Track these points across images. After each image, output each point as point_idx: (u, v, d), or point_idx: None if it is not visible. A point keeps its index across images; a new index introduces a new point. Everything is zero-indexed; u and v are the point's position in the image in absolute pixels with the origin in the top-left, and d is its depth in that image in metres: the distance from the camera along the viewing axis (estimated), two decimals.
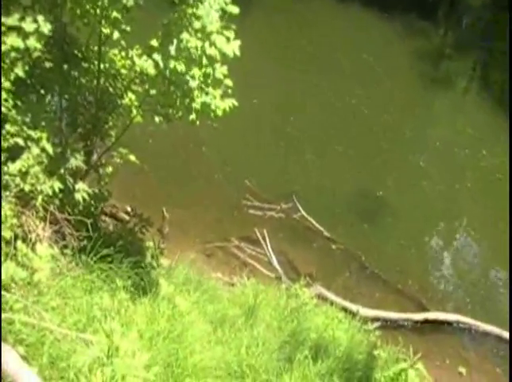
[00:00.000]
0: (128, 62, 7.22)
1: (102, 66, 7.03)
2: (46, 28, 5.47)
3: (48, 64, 6.52)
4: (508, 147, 13.14)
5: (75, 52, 6.97)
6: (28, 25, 5.40)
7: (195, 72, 6.38)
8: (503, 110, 15.26)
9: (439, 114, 15.96)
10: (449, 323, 9.99)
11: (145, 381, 5.04)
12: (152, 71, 6.48)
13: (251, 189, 11.03)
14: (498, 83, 17.35)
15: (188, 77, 6.39)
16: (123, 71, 7.28)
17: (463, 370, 9.37)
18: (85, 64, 7.01)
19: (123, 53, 7.26)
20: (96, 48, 6.96)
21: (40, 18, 5.47)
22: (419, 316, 9.86)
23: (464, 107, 16.42)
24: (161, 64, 6.29)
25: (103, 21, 6.62)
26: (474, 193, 12.86)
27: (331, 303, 9.06)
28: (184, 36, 6.23)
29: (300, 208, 10.89)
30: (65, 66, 6.77)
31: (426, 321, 9.86)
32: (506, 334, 9.89)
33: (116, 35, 6.82)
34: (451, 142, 14.18)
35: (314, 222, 10.79)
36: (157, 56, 6.34)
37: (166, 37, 6.36)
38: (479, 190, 12.92)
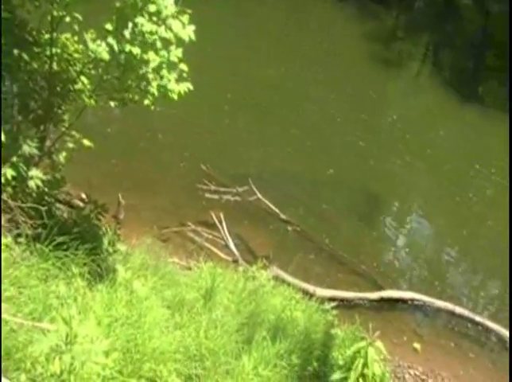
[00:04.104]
0: (81, 46, 7.13)
1: (54, 51, 6.92)
2: None
3: None
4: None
5: (26, 36, 6.85)
6: None
7: (151, 55, 6.36)
8: (454, 90, 15.60)
9: (392, 95, 16.19)
10: (404, 301, 10.17)
11: (104, 367, 5.03)
12: (106, 55, 6.44)
13: (207, 173, 11.03)
14: (449, 64, 17.70)
15: (143, 61, 6.36)
16: (76, 55, 7.18)
17: (417, 346, 9.57)
18: (37, 49, 6.89)
19: (76, 38, 7.16)
20: (48, 32, 6.85)
21: None
22: (374, 295, 10.00)
23: (417, 88, 16.69)
24: (116, 48, 6.24)
25: (55, 4, 6.51)
26: (426, 172, 13.10)
27: (289, 284, 9.10)
28: (139, 20, 6.20)
29: (256, 191, 10.91)
30: (16, 51, 6.66)
31: (381, 300, 9.99)
32: (459, 310, 10.15)
33: (68, 19, 6.73)
34: (403, 122, 14.40)
35: (270, 204, 10.83)
36: (111, 40, 6.29)
37: (121, 20, 6.31)
38: (430, 168, 13.18)
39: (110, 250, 7.28)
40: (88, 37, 6.88)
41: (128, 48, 6.22)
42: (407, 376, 9.03)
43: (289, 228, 10.79)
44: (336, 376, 6.95)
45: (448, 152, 13.81)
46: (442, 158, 13.45)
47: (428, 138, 14.02)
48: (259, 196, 10.89)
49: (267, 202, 10.86)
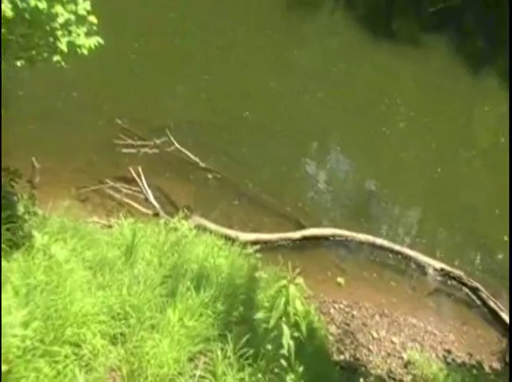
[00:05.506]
0: None
1: None
2: None
3: None
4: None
5: None
6: None
7: (58, 9, 6.20)
8: (367, 27, 15.72)
9: (306, 35, 16.20)
10: (326, 238, 10.45)
11: (23, 339, 5.05)
12: (9, 13, 6.24)
13: (123, 127, 10.89)
14: (363, 1, 17.78)
15: (50, 16, 6.20)
16: None
17: (341, 280, 9.90)
18: None
19: None
20: None
21: None
22: (297, 234, 10.19)
23: (331, 27, 16.73)
24: (20, 4, 6.05)
25: None
26: (339, 108, 13.28)
27: (211, 232, 9.15)
28: None
29: (174, 142, 10.87)
30: None
31: (304, 239, 10.22)
32: (379, 241, 10.52)
33: None
34: (315, 61, 14.48)
35: (189, 154, 10.81)
36: None
37: None
38: (342, 105, 13.37)
39: (26, 217, 7.17)
40: None
41: (33, 2, 6.05)
42: (332, 310, 9.37)
43: (210, 176, 10.84)
44: (259, 315, 7.10)
45: (359, 88, 14.04)
46: (354, 94, 13.68)
47: (340, 75, 14.19)
48: (177, 146, 10.83)
49: (186, 151, 10.82)
